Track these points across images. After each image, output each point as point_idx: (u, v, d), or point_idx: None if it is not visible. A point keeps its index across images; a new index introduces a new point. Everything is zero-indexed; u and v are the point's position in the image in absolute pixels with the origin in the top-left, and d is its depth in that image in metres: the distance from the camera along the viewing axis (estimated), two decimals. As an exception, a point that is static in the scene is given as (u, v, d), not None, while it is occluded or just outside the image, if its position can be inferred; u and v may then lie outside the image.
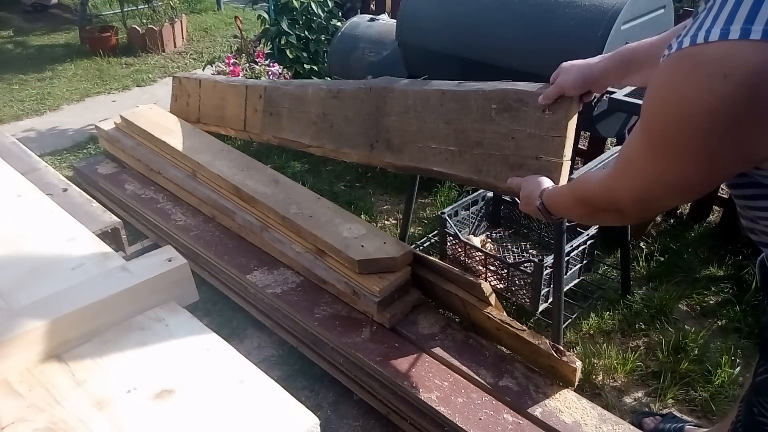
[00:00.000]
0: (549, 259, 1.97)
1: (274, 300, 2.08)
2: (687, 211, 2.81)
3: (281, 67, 3.46)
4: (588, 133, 2.98)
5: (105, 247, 1.37)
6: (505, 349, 1.88)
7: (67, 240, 1.38)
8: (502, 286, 2.15)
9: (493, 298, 1.88)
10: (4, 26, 5.73)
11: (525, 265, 2.07)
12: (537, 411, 1.66)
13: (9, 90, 4.34)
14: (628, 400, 1.95)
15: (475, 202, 2.39)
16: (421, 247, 2.50)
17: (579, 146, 2.79)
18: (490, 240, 2.44)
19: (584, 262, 2.17)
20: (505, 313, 1.88)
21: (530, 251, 2.36)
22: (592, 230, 2.15)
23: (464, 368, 1.78)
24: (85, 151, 3.50)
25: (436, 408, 1.66)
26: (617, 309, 2.27)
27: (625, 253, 2.29)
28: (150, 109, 2.99)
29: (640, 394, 1.97)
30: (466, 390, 1.73)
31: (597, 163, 1.86)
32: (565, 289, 2.00)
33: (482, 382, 1.74)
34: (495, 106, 1.60)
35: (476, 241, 2.32)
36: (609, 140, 2.87)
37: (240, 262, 2.25)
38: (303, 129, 2.26)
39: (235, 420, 0.96)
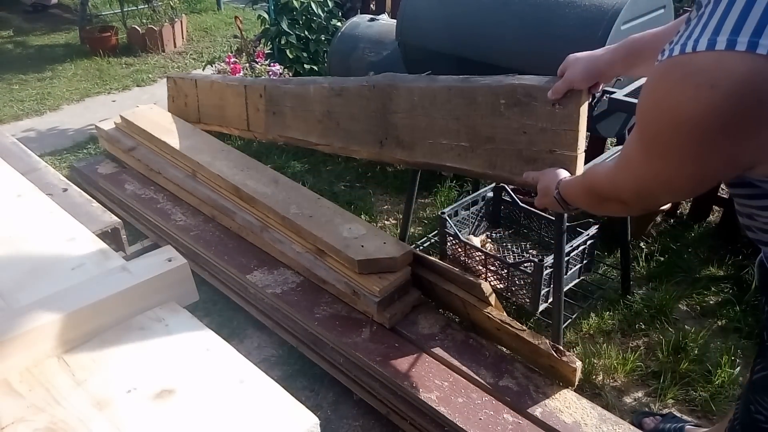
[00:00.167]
0: (549, 259, 1.97)
1: (274, 300, 2.08)
2: (687, 211, 2.81)
3: (281, 67, 3.45)
4: (588, 133, 2.98)
5: (105, 247, 1.36)
6: (505, 349, 1.88)
7: (67, 240, 1.38)
8: (502, 286, 2.15)
9: (493, 298, 1.88)
10: (4, 26, 5.73)
11: (525, 265, 2.07)
12: (537, 411, 1.66)
13: (9, 90, 4.34)
14: (628, 400, 1.95)
15: (475, 202, 2.39)
16: (421, 247, 2.50)
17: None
18: (490, 240, 2.44)
19: (584, 262, 2.17)
20: (505, 313, 1.88)
21: (530, 251, 2.36)
22: (592, 230, 2.15)
23: (464, 368, 1.78)
24: (85, 151, 3.50)
25: (436, 408, 1.66)
26: (617, 309, 2.27)
27: (625, 253, 2.30)
28: (150, 109, 2.99)
29: (640, 394, 1.97)
30: (466, 390, 1.73)
31: (598, 162, 1.86)
32: (565, 289, 2.00)
33: (482, 382, 1.74)
34: (504, 101, 1.60)
35: (476, 241, 2.32)
36: (609, 140, 2.87)
37: (240, 262, 2.25)
38: (309, 128, 2.25)
39: (235, 420, 0.96)
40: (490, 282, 2.12)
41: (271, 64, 3.44)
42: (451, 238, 2.25)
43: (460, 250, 2.25)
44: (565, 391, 1.72)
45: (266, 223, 2.29)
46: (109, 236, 1.60)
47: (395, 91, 1.88)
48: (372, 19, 3.08)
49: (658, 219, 2.75)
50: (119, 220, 1.66)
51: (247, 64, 3.44)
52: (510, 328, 1.79)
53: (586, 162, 1.56)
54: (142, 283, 1.18)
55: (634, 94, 1.74)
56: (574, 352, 2.08)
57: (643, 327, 2.20)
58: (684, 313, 2.29)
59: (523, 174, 1.54)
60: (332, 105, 2.12)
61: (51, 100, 4.20)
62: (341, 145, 2.14)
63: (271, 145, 3.36)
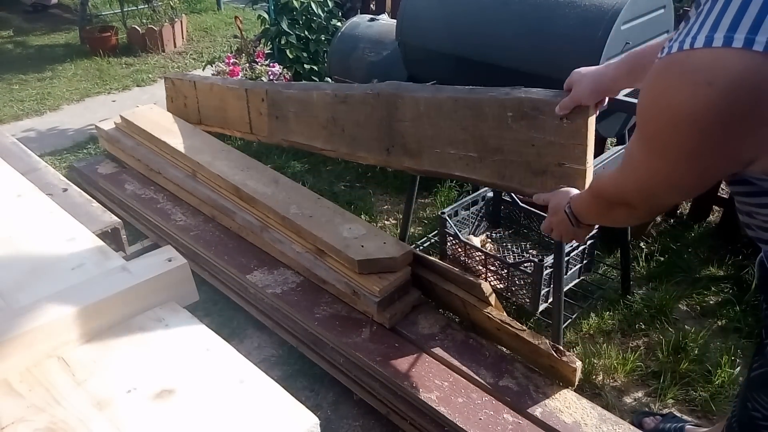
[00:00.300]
0: (549, 259, 1.97)
1: (274, 300, 2.08)
2: (687, 211, 2.81)
3: (281, 67, 3.45)
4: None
5: (105, 247, 1.37)
6: (505, 349, 1.88)
7: (67, 240, 1.38)
8: (502, 286, 2.15)
9: (493, 298, 1.88)
10: (4, 26, 5.73)
11: (525, 265, 2.07)
12: (537, 411, 1.66)
13: (9, 90, 4.34)
14: (628, 400, 1.95)
15: (475, 202, 2.39)
16: (421, 247, 2.50)
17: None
18: (490, 240, 2.44)
19: (584, 262, 2.17)
20: (505, 313, 1.88)
21: (530, 251, 2.36)
22: (592, 230, 2.15)
23: (464, 368, 1.78)
24: (85, 151, 3.50)
25: (436, 408, 1.66)
26: (617, 309, 2.27)
27: (625, 253, 2.29)
28: (150, 109, 2.99)
29: (640, 394, 1.97)
30: (466, 390, 1.73)
31: (598, 162, 1.86)
32: (565, 289, 2.00)
33: (482, 382, 1.74)
34: (511, 114, 1.59)
35: (476, 241, 2.32)
36: (609, 140, 2.87)
37: (240, 262, 2.25)
38: (314, 133, 2.23)
39: (235, 420, 0.96)
40: (490, 282, 2.12)
41: (271, 64, 3.44)
42: (451, 238, 2.25)
43: (460, 250, 2.25)
44: (565, 391, 1.72)
45: (266, 223, 2.29)
46: (109, 236, 1.61)
47: (400, 99, 1.86)
48: (372, 19, 3.08)
49: (658, 219, 2.75)
50: (119, 220, 1.66)
51: (247, 65, 3.44)
52: (510, 328, 1.79)
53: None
54: (142, 283, 1.18)
55: (633, 94, 1.74)
56: (574, 352, 2.08)
57: (643, 327, 2.20)
58: (684, 313, 2.29)
59: (534, 196, 1.50)
60: (336, 111, 2.09)
61: (51, 100, 4.20)
62: (347, 151, 2.12)
63: (271, 145, 3.36)
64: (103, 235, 1.56)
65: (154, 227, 2.58)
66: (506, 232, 2.47)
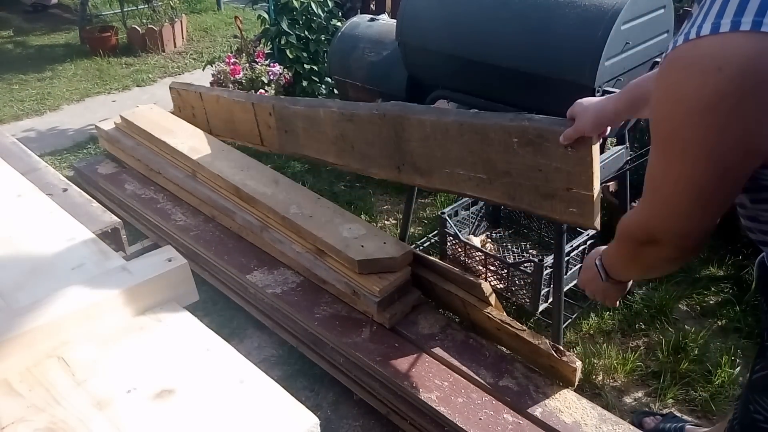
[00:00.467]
0: (549, 259, 1.97)
1: (274, 300, 2.08)
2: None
3: (281, 67, 3.45)
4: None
5: (105, 247, 1.36)
6: (505, 349, 1.88)
7: (67, 240, 1.38)
8: (502, 286, 2.15)
9: (493, 298, 1.88)
10: (4, 26, 5.73)
11: (525, 265, 2.07)
12: (537, 411, 1.66)
13: (9, 90, 4.34)
14: (628, 400, 1.95)
15: (475, 202, 2.39)
16: (421, 247, 2.50)
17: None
18: (490, 240, 2.44)
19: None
20: (505, 313, 1.88)
21: (530, 251, 2.36)
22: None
23: (464, 368, 1.78)
24: (85, 151, 3.50)
25: (436, 408, 1.66)
26: (617, 309, 2.27)
27: (625, 253, 2.29)
28: (150, 109, 2.98)
29: (640, 394, 1.97)
30: (466, 390, 1.73)
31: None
32: (565, 289, 2.00)
33: (482, 382, 1.74)
34: (516, 140, 1.61)
35: (476, 241, 2.32)
36: (609, 140, 2.87)
37: (240, 262, 2.25)
38: (324, 148, 2.23)
39: (235, 420, 0.96)
40: (490, 282, 2.12)
41: (271, 64, 3.44)
42: (451, 238, 2.25)
43: (460, 250, 2.25)
44: (565, 391, 1.72)
45: (266, 223, 2.29)
46: (109, 236, 1.60)
47: (406, 120, 1.87)
48: (372, 19, 3.07)
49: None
50: (119, 220, 1.66)
51: (247, 64, 3.44)
52: (510, 328, 1.79)
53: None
54: (142, 283, 1.17)
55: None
56: (574, 352, 2.08)
57: (643, 327, 2.20)
58: (684, 313, 2.29)
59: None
60: (344, 129, 2.10)
61: (51, 100, 4.20)
62: (359, 166, 2.14)
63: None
64: (103, 235, 1.56)
65: (154, 227, 2.58)
66: (506, 232, 2.47)
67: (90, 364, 1.06)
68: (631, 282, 1.18)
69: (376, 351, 1.84)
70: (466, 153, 1.74)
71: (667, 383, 1.96)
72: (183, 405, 0.99)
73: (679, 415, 1.86)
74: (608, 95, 1.37)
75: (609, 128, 1.45)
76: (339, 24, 3.62)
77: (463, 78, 2.13)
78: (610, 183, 2.50)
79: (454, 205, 2.34)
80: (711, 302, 2.32)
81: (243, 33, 3.89)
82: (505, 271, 2.13)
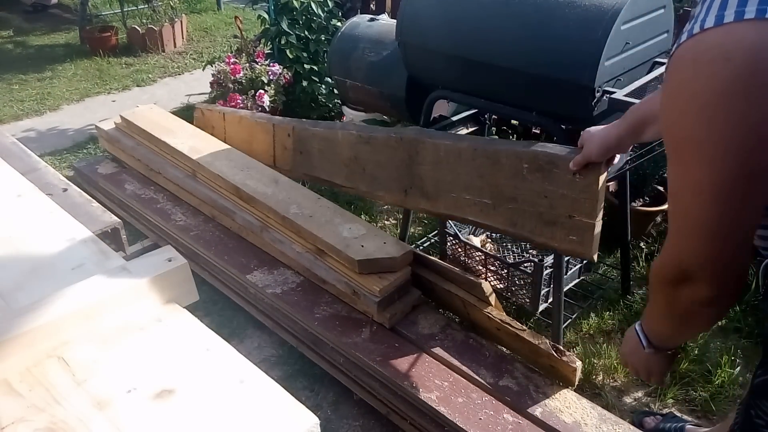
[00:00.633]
0: (549, 259, 1.97)
1: (274, 300, 2.08)
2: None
3: (281, 67, 3.45)
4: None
5: (105, 247, 1.36)
6: (505, 349, 1.88)
7: (67, 240, 1.38)
8: (502, 286, 2.15)
9: (493, 298, 1.88)
10: (4, 26, 5.73)
11: (525, 265, 2.07)
12: (537, 411, 1.66)
13: (9, 90, 4.34)
14: (628, 399, 1.95)
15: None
16: (421, 247, 2.50)
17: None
18: (490, 240, 2.44)
19: (584, 262, 2.17)
20: (505, 313, 1.88)
21: (530, 251, 2.36)
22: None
23: (464, 368, 1.78)
24: (85, 151, 3.51)
25: (436, 408, 1.66)
26: (617, 309, 2.27)
27: (625, 253, 2.29)
28: (150, 109, 2.98)
29: (640, 394, 1.97)
30: (466, 390, 1.73)
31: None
32: (565, 289, 2.00)
33: (482, 382, 1.74)
34: (527, 166, 1.67)
35: (476, 241, 2.32)
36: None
37: (240, 262, 2.25)
38: (336, 170, 2.30)
39: (235, 420, 0.96)
40: (490, 282, 2.12)
41: (271, 64, 3.43)
42: (451, 238, 2.25)
43: (460, 250, 2.25)
44: (565, 391, 1.72)
45: (266, 223, 2.29)
46: (109, 236, 1.60)
47: (422, 144, 1.94)
48: (372, 19, 3.07)
49: (659, 219, 2.75)
50: (119, 220, 1.66)
51: (247, 64, 3.44)
52: (510, 328, 1.79)
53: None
54: (142, 283, 1.18)
55: (633, 94, 1.74)
56: (574, 352, 2.08)
57: (643, 327, 2.20)
58: (684, 313, 2.28)
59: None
60: (359, 151, 2.17)
61: (51, 100, 4.20)
62: (366, 189, 2.21)
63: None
64: (103, 235, 1.56)
65: (154, 227, 2.58)
66: (506, 232, 2.47)
67: (90, 364, 1.06)
68: (678, 355, 1.10)
69: (376, 351, 1.84)
70: (476, 177, 1.81)
71: (667, 383, 1.96)
72: (183, 405, 0.99)
73: (679, 415, 1.86)
74: (613, 123, 1.41)
75: (618, 157, 1.50)
76: (339, 24, 3.61)
77: (463, 78, 2.12)
78: (610, 183, 2.50)
79: (454, 205, 2.34)
80: (711, 302, 2.32)
81: (243, 33, 3.89)
82: (505, 271, 2.13)
